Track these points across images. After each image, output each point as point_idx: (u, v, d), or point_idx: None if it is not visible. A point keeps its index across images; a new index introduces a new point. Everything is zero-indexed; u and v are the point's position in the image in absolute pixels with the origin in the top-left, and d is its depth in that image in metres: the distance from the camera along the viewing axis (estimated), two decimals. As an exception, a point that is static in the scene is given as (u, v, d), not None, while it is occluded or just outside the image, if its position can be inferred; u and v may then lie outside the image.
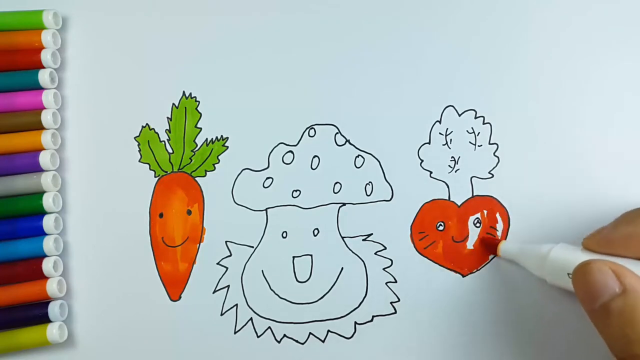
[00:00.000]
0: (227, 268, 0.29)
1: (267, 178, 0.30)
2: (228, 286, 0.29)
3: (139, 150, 0.31)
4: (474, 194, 0.29)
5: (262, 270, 0.29)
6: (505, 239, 0.28)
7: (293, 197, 0.30)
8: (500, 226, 0.29)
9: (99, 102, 0.31)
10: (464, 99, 0.30)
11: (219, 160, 0.30)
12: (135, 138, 0.31)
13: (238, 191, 0.30)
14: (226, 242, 0.30)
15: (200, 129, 0.31)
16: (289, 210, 0.30)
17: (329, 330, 0.29)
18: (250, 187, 0.30)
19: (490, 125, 0.29)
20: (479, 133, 0.29)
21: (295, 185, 0.30)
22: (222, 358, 0.29)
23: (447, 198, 0.29)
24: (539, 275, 0.26)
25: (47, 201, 0.30)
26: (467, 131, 0.29)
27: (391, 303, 0.28)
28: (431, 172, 0.29)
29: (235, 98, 0.31)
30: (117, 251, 0.30)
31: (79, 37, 0.32)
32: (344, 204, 0.29)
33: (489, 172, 0.29)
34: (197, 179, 0.30)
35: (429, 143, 0.29)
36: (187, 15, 0.32)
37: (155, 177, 0.31)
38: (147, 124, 0.31)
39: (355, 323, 0.28)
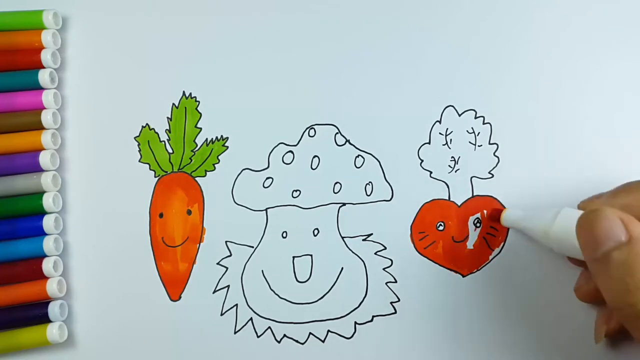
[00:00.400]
0: (227, 268, 0.29)
1: (267, 178, 0.30)
2: (228, 286, 0.29)
3: (139, 150, 0.31)
4: (474, 194, 0.29)
5: (262, 270, 0.29)
6: (505, 240, 0.28)
7: (293, 197, 0.30)
8: (500, 226, 0.29)
9: (99, 102, 0.31)
10: (464, 99, 0.30)
11: (219, 160, 0.30)
12: (135, 138, 0.31)
13: (238, 191, 0.30)
14: (226, 242, 0.30)
15: (200, 129, 0.31)
16: (289, 210, 0.30)
17: (329, 330, 0.29)
18: (250, 187, 0.30)
19: (490, 125, 0.29)
20: (479, 133, 0.29)
21: (295, 185, 0.30)
22: (222, 358, 0.29)
23: (447, 198, 0.29)
24: (544, 242, 0.25)
25: (47, 201, 0.30)
26: (467, 131, 0.29)
27: (391, 303, 0.28)
28: (431, 172, 0.29)
29: (235, 98, 0.31)
30: (117, 251, 0.30)
31: (79, 37, 0.32)
32: (344, 204, 0.29)
33: (489, 172, 0.29)
34: (197, 179, 0.30)
35: (429, 143, 0.29)
36: (187, 15, 0.32)
37: (155, 177, 0.31)
38: (147, 124, 0.31)
39: (355, 323, 0.28)
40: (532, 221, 0.26)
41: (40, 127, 0.30)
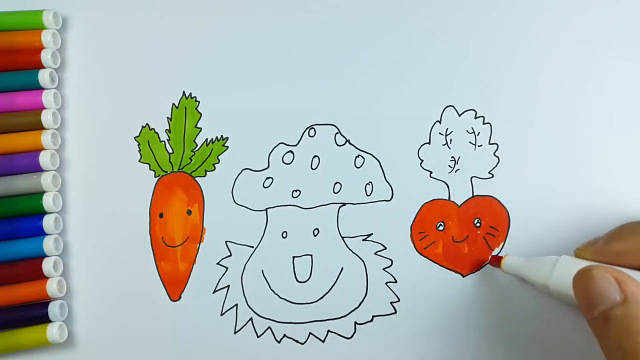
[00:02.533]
0: (227, 268, 0.29)
1: (267, 178, 0.30)
2: (228, 286, 0.29)
3: (139, 150, 0.31)
4: (474, 194, 0.29)
5: (262, 270, 0.29)
6: (505, 240, 0.28)
7: (293, 197, 0.30)
8: (500, 226, 0.29)
9: (99, 102, 0.31)
10: (464, 99, 0.30)
11: (219, 160, 0.30)
12: (135, 138, 0.31)
13: (238, 191, 0.30)
14: (226, 242, 0.30)
15: (200, 129, 0.31)
16: (289, 210, 0.30)
17: (329, 330, 0.29)
18: (250, 187, 0.30)
19: (490, 125, 0.29)
20: (479, 133, 0.29)
21: (295, 185, 0.30)
22: (222, 358, 0.29)
23: (447, 198, 0.29)
24: (544, 289, 0.25)
25: (47, 201, 0.30)
26: (467, 131, 0.29)
27: (391, 303, 0.28)
28: (431, 172, 0.29)
29: (235, 98, 0.31)
30: (117, 251, 0.30)
31: (79, 37, 0.32)
32: (344, 204, 0.29)
33: (489, 172, 0.29)
34: (197, 179, 0.30)
35: (429, 143, 0.29)
36: (187, 15, 0.32)
37: (155, 177, 0.31)
38: (147, 124, 0.31)
39: (355, 323, 0.28)
40: (532, 272, 0.26)
41: (40, 127, 0.30)
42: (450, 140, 0.29)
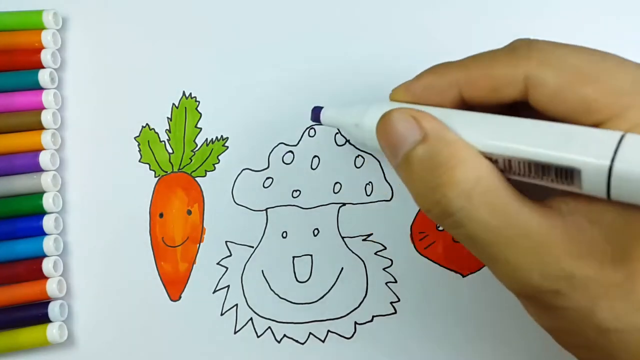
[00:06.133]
0: (227, 268, 0.29)
1: (267, 178, 0.30)
2: (228, 286, 0.29)
3: (139, 150, 0.31)
4: (474, 194, 0.29)
5: (262, 270, 0.29)
6: None
7: (293, 197, 0.30)
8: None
9: (99, 102, 0.31)
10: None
11: (219, 160, 0.30)
12: (135, 138, 0.31)
13: (238, 191, 0.30)
14: (226, 242, 0.30)
15: (200, 129, 0.31)
16: (289, 210, 0.30)
17: (329, 330, 0.29)
18: (250, 187, 0.30)
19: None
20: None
21: (295, 185, 0.30)
22: (222, 358, 0.29)
23: (447, 198, 0.29)
24: (361, 141, 0.23)
25: (47, 201, 0.30)
26: (467, 131, 0.29)
27: (391, 303, 0.28)
28: (431, 172, 0.29)
29: (235, 98, 0.31)
30: (117, 251, 0.30)
31: (79, 37, 0.32)
32: (344, 204, 0.29)
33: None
34: (197, 179, 0.30)
35: (429, 143, 0.29)
36: (187, 15, 0.32)
37: (155, 177, 0.31)
38: (147, 124, 0.31)
39: (355, 323, 0.28)
40: (345, 117, 0.24)
41: (40, 127, 0.30)
42: (450, 140, 0.29)
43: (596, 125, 0.17)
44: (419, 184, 0.19)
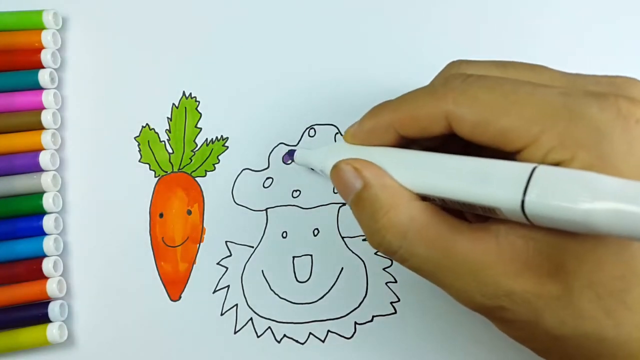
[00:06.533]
0: (227, 268, 0.29)
1: (267, 178, 0.30)
2: (228, 286, 0.29)
3: (139, 150, 0.31)
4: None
5: (262, 270, 0.29)
6: None
7: (293, 197, 0.30)
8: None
9: (99, 102, 0.31)
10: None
11: (219, 160, 0.30)
12: (135, 138, 0.31)
13: (238, 191, 0.30)
14: (226, 242, 0.30)
15: (200, 129, 0.31)
16: (289, 210, 0.30)
17: (329, 330, 0.29)
18: (250, 187, 0.30)
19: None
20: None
21: (295, 185, 0.30)
22: (222, 358, 0.29)
23: (447, 198, 0.29)
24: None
25: (47, 201, 0.30)
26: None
27: (391, 303, 0.28)
28: (431, 172, 0.29)
29: (235, 98, 0.31)
30: (117, 251, 0.30)
31: (79, 37, 0.32)
32: (344, 204, 0.29)
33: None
34: (197, 179, 0.30)
35: (429, 143, 0.29)
36: (187, 15, 0.32)
37: (155, 177, 0.31)
38: (147, 124, 0.31)
39: (355, 323, 0.28)
40: (313, 160, 0.27)
41: (40, 127, 0.30)
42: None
43: (518, 151, 0.18)
44: (364, 227, 0.21)
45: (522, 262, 0.18)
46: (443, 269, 0.19)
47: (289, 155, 0.29)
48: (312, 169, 0.29)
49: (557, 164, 0.17)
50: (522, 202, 0.16)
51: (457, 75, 0.20)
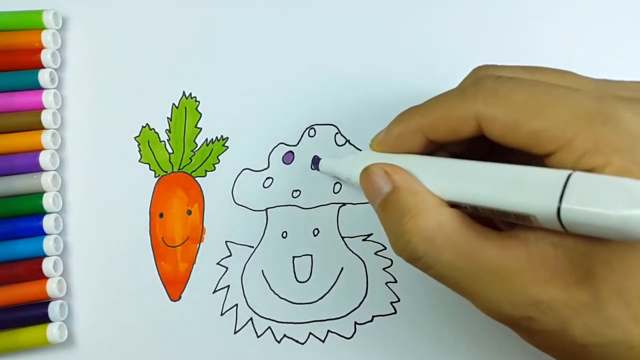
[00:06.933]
0: (227, 268, 0.29)
1: (267, 178, 0.30)
2: (228, 286, 0.29)
3: (139, 150, 0.31)
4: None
5: (262, 270, 0.29)
6: None
7: (293, 197, 0.30)
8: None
9: (99, 102, 0.31)
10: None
11: (219, 160, 0.30)
12: (135, 138, 0.31)
13: (238, 191, 0.30)
14: (226, 242, 0.30)
15: (200, 129, 0.31)
16: (289, 210, 0.30)
17: (329, 330, 0.29)
18: (250, 187, 0.30)
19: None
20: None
21: (295, 185, 0.30)
22: (222, 358, 0.29)
23: (447, 198, 0.29)
24: (356, 186, 0.26)
25: (47, 201, 0.30)
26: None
27: (391, 303, 0.28)
28: (431, 172, 0.29)
29: (235, 98, 0.31)
30: (117, 251, 0.30)
31: (79, 37, 0.32)
32: (344, 204, 0.29)
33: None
34: (197, 179, 0.30)
35: (429, 143, 0.29)
36: (187, 15, 0.32)
37: (155, 177, 0.31)
38: (147, 124, 0.31)
39: (355, 323, 0.28)
40: (340, 169, 0.27)
41: (40, 127, 0.30)
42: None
43: (549, 154, 0.18)
44: (390, 231, 0.21)
45: (550, 270, 0.18)
46: (470, 277, 0.19)
47: (314, 163, 0.29)
48: (338, 178, 0.29)
49: (590, 169, 0.17)
50: (558, 209, 0.16)
51: (487, 76, 0.20)
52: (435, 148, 0.22)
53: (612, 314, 0.17)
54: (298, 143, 0.30)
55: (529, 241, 0.18)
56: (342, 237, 0.29)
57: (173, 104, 0.31)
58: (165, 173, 0.31)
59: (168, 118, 0.31)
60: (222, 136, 0.31)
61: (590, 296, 0.17)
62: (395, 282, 0.29)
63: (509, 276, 0.18)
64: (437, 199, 0.20)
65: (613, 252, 0.17)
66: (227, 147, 0.30)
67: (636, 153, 0.16)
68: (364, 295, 0.29)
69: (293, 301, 0.29)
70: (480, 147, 0.21)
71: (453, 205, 0.20)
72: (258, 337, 0.29)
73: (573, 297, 0.17)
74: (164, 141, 0.31)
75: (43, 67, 0.31)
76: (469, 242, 0.19)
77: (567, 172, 0.17)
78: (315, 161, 0.29)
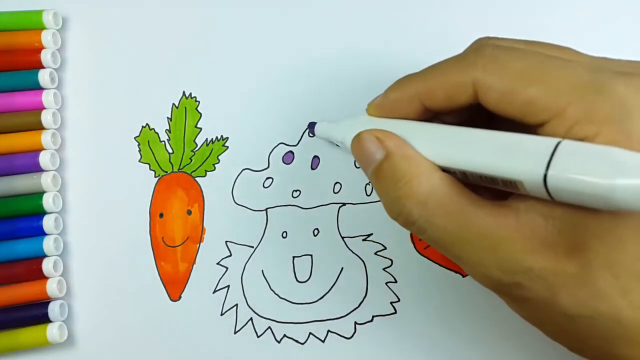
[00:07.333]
0: (227, 268, 0.29)
1: (267, 178, 0.30)
2: (228, 286, 0.29)
3: (139, 150, 0.31)
4: (474, 194, 0.29)
5: (262, 270, 0.29)
6: None
7: (293, 197, 0.30)
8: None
9: (99, 102, 0.31)
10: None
11: (219, 160, 0.30)
12: (135, 138, 0.31)
13: (238, 191, 0.30)
14: (226, 242, 0.30)
15: (200, 129, 0.31)
16: (289, 210, 0.30)
17: (329, 330, 0.29)
18: (250, 187, 0.30)
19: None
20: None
21: (295, 185, 0.30)
22: (222, 358, 0.29)
23: (447, 198, 0.29)
24: (349, 151, 0.26)
25: (47, 201, 0.30)
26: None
27: (391, 303, 0.28)
28: (431, 172, 0.29)
29: (235, 98, 0.31)
30: (117, 251, 0.30)
31: (79, 37, 0.32)
32: (344, 204, 0.29)
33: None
34: (197, 179, 0.30)
35: (429, 143, 0.29)
36: (187, 15, 0.32)
37: (155, 177, 0.31)
38: (147, 124, 0.31)
39: (355, 323, 0.28)
40: (332, 133, 0.27)
41: (40, 127, 0.30)
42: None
43: (542, 123, 0.18)
44: (384, 196, 0.21)
45: (540, 240, 0.18)
46: (462, 242, 0.19)
47: (310, 128, 0.29)
48: (333, 143, 0.29)
49: (581, 139, 0.17)
50: (545, 175, 0.16)
51: (487, 44, 0.20)
52: (431, 117, 0.22)
53: (601, 286, 0.17)
54: (298, 143, 0.30)
55: (520, 211, 0.18)
56: (342, 237, 0.29)
57: (173, 104, 0.31)
58: (165, 173, 0.31)
59: (168, 118, 0.31)
60: (222, 136, 0.31)
61: (579, 268, 0.17)
62: (395, 282, 0.29)
63: (498, 243, 0.18)
64: (430, 164, 0.20)
65: (603, 224, 0.17)
66: (227, 147, 0.30)
67: (627, 124, 0.16)
68: (364, 295, 0.29)
69: (293, 301, 0.29)
70: (475, 120, 0.21)
71: (445, 171, 0.20)
72: (258, 337, 0.29)
73: (562, 268, 0.17)
74: (164, 141, 0.31)
75: (43, 67, 0.31)
76: (460, 206, 0.19)
77: (557, 139, 0.17)
78: (311, 126, 0.29)
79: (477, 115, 0.20)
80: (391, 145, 0.21)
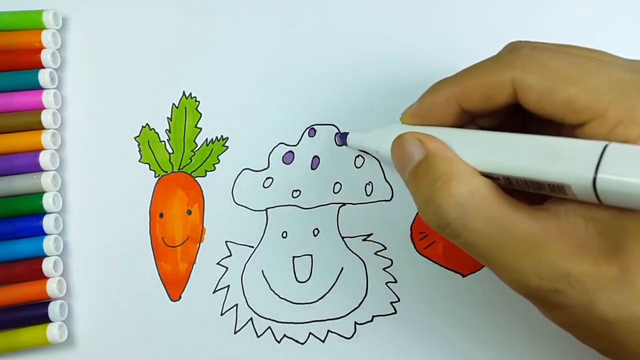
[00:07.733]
0: (227, 268, 0.29)
1: (267, 178, 0.30)
2: (228, 286, 0.29)
3: (139, 150, 0.31)
4: (474, 194, 0.29)
5: (262, 270, 0.29)
6: None
7: (293, 197, 0.30)
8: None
9: (99, 102, 0.31)
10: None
11: (219, 160, 0.30)
12: (135, 138, 0.31)
13: (238, 191, 0.30)
14: (226, 242, 0.30)
15: (200, 129, 0.31)
16: (289, 210, 0.30)
17: (329, 330, 0.29)
18: (250, 187, 0.30)
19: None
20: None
21: (295, 185, 0.30)
22: (222, 358, 0.29)
23: (447, 198, 0.29)
24: (385, 158, 0.26)
25: (47, 201, 0.30)
26: (467, 131, 0.29)
27: (391, 303, 0.28)
28: (431, 172, 0.29)
29: (235, 98, 0.31)
30: (117, 251, 0.30)
31: (79, 37, 0.32)
32: (344, 204, 0.29)
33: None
34: (197, 179, 0.30)
35: (429, 143, 0.29)
36: (187, 15, 0.32)
37: (155, 177, 0.31)
38: (147, 124, 0.31)
39: (355, 323, 0.28)
40: (367, 142, 0.27)
41: (40, 127, 0.30)
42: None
43: (582, 124, 0.18)
44: (420, 196, 0.21)
45: (580, 242, 0.18)
46: (499, 246, 0.19)
47: (341, 138, 0.29)
48: (364, 152, 0.29)
49: (623, 141, 0.17)
50: (594, 179, 0.16)
51: (523, 45, 0.20)
52: (467, 120, 0.21)
53: (639, 289, 0.17)
54: (298, 143, 0.30)
55: (560, 214, 0.18)
56: (342, 237, 0.29)
57: (173, 104, 0.31)
58: (165, 173, 0.31)
59: (168, 118, 0.31)
60: (222, 136, 0.31)
61: (619, 270, 0.17)
62: (395, 282, 0.29)
63: (538, 246, 0.18)
64: (470, 168, 0.20)
65: None
66: (227, 147, 0.30)
67: None
68: (364, 295, 0.29)
69: (293, 301, 0.29)
70: (511, 123, 0.21)
71: (486, 176, 0.20)
72: (258, 337, 0.29)
73: (601, 271, 0.17)
74: (164, 141, 0.31)
75: (43, 67, 0.31)
76: (500, 211, 0.19)
77: (604, 142, 0.17)
78: (342, 136, 0.29)
79: (512, 119, 0.20)
80: (432, 146, 0.21)
